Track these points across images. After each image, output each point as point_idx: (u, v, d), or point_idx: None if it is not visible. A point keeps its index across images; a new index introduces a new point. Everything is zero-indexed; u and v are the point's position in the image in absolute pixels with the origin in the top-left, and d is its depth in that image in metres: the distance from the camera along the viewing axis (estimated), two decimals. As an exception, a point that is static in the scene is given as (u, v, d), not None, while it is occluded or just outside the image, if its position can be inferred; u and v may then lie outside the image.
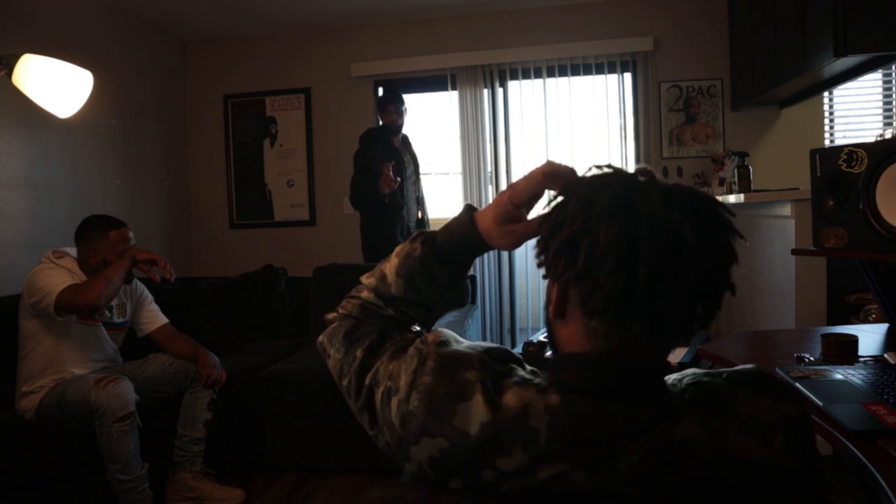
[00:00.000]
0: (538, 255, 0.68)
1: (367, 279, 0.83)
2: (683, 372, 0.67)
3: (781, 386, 0.64)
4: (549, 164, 0.72)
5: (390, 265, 0.80)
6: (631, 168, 0.67)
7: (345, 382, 0.76)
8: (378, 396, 0.70)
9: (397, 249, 0.81)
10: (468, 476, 0.60)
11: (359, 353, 0.75)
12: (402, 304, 0.80)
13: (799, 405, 0.62)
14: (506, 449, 0.58)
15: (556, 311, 0.67)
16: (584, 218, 0.61)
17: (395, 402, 0.66)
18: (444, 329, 0.73)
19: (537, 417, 0.59)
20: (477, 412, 0.60)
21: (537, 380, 0.64)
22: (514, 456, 0.58)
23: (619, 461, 0.57)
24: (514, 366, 0.67)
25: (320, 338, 0.82)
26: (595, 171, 0.68)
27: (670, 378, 0.66)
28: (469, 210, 0.79)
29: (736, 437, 0.58)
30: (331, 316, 0.83)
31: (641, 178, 0.65)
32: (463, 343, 0.70)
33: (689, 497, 0.57)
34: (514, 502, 0.58)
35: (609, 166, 0.68)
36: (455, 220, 0.79)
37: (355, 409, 0.74)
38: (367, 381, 0.72)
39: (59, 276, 2.03)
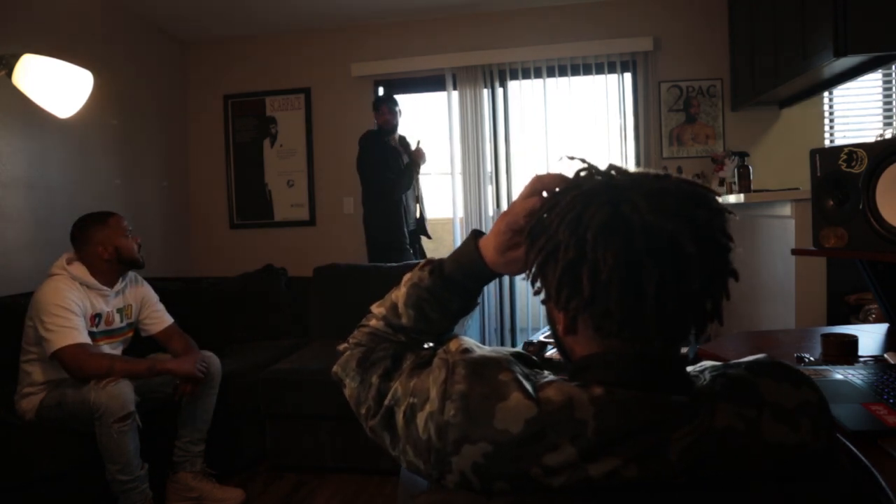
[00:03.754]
0: (533, 283, 0.68)
1: (376, 308, 0.82)
2: (701, 364, 0.69)
3: (798, 372, 0.66)
4: (537, 177, 0.72)
5: (399, 294, 0.80)
6: (630, 168, 0.67)
7: (363, 410, 0.75)
8: (399, 416, 0.69)
9: (405, 277, 0.81)
10: (514, 476, 0.59)
11: (374, 379, 0.75)
12: (414, 333, 0.80)
13: (816, 390, 0.64)
14: (552, 444, 0.58)
15: (565, 331, 0.67)
16: (577, 243, 0.61)
17: (422, 416, 0.65)
18: (463, 337, 0.72)
19: (583, 409, 0.59)
20: (518, 409, 0.60)
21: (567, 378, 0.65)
22: (561, 451, 0.58)
23: (666, 451, 0.57)
24: (539, 370, 0.67)
25: (334, 368, 0.82)
26: (567, 162, 0.68)
27: (689, 371, 0.67)
28: (475, 237, 0.78)
29: (769, 424, 0.60)
30: (342, 346, 0.83)
31: (613, 173, 0.65)
32: (485, 348, 0.69)
33: (730, 482, 0.59)
34: (566, 499, 0.58)
35: (583, 160, 0.68)
36: (461, 250, 0.79)
37: (372, 427, 0.73)
38: (386, 402, 0.72)
39: (67, 319, 1.97)
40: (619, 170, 0.66)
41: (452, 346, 0.69)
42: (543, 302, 0.68)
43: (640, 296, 0.58)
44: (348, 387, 0.78)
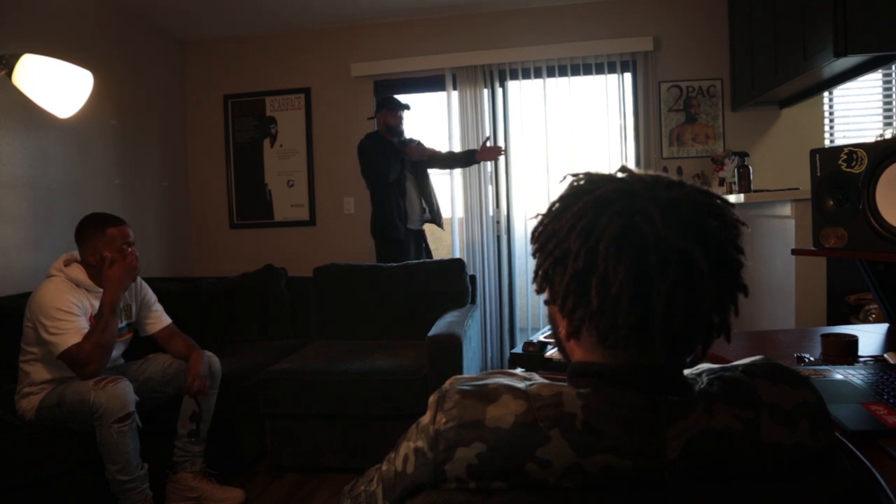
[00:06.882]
0: (539, 287, 0.67)
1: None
2: (697, 368, 0.68)
3: (794, 373, 0.65)
4: None
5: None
6: (641, 170, 0.66)
7: None
8: (384, 468, 0.70)
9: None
10: (511, 474, 0.59)
11: (361, 487, 0.76)
12: None
13: (814, 391, 0.64)
14: (544, 435, 0.58)
15: (568, 336, 0.66)
16: (587, 253, 0.60)
17: (406, 444, 0.66)
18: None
19: (571, 403, 0.59)
20: (508, 407, 0.60)
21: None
22: (553, 443, 0.58)
23: (664, 448, 0.57)
24: (532, 377, 0.68)
25: None
26: (570, 179, 0.67)
27: (686, 374, 0.67)
28: None
29: (767, 425, 0.60)
30: None
31: (620, 176, 0.65)
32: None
33: (728, 482, 0.59)
34: (564, 496, 0.58)
35: (587, 174, 0.67)
36: None
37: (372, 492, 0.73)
38: (373, 486, 0.72)
39: (70, 322, 1.98)
40: (632, 174, 0.65)
41: (446, 384, 0.68)
42: (546, 303, 0.68)
43: (649, 311, 0.58)
44: None
